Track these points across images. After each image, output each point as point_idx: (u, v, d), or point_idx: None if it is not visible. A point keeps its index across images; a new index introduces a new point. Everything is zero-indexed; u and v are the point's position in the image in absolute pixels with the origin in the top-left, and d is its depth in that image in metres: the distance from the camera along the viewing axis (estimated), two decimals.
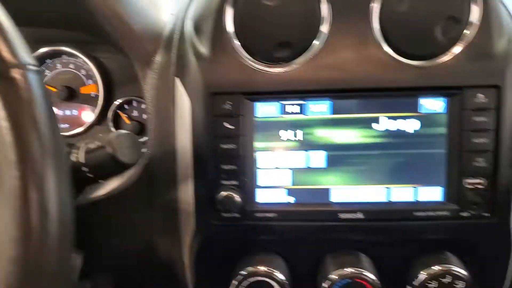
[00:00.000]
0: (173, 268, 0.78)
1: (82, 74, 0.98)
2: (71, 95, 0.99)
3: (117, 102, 0.96)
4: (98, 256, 0.80)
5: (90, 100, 0.99)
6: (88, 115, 0.98)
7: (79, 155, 0.60)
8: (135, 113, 0.97)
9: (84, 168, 0.60)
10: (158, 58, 0.73)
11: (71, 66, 0.99)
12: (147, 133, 0.74)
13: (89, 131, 0.99)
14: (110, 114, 0.97)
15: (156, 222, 0.75)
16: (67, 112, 1.00)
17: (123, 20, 0.71)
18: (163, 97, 0.71)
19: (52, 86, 0.97)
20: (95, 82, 0.97)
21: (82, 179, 0.62)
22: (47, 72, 0.98)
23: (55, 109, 0.97)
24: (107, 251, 0.80)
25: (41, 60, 0.97)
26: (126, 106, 0.98)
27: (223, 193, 0.66)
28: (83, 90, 0.99)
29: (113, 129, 0.98)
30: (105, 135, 0.61)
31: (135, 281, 0.86)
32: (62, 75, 0.98)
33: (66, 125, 0.99)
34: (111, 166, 0.59)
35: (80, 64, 0.98)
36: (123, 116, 0.98)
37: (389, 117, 0.67)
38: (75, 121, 0.99)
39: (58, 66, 0.99)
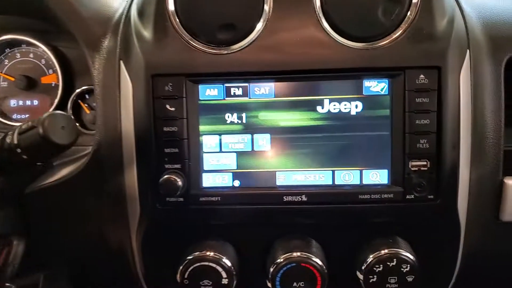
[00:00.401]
0: (125, 256, 0.77)
1: (42, 64, 0.98)
2: (32, 84, 0.98)
3: (77, 91, 0.95)
4: (50, 244, 0.79)
5: (51, 90, 0.98)
6: (47, 105, 0.97)
7: (13, 137, 0.59)
8: None
9: (18, 150, 0.59)
10: (106, 43, 0.73)
11: (31, 55, 0.98)
12: (97, 119, 0.74)
13: None
14: (69, 103, 0.96)
15: (106, 209, 0.75)
16: (28, 102, 0.99)
17: (70, 4, 0.71)
18: (109, 81, 0.71)
19: (10, 76, 0.96)
20: (56, 72, 0.96)
21: (19, 162, 0.61)
22: (6, 62, 0.97)
23: (13, 99, 0.98)
24: (59, 240, 0.80)
25: (0, 49, 0.96)
26: (87, 96, 0.97)
27: (165, 177, 0.65)
28: (44, 80, 0.98)
29: (73, 118, 0.97)
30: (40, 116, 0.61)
31: (90, 270, 0.85)
32: (22, 64, 0.98)
33: (26, 115, 0.98)
34: (44, 147, 0.58)
35: (40, 53, 0.98)
36: (83, 106, 0.97)
37: (333, 100, 0.67)
38: (35, 111, 0.98)
39: (18, 55, 0.98)
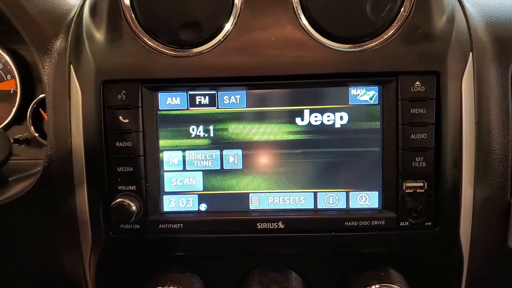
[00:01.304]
0: (79, 285, 0.68)
1: None
2: None
3: (37, 98, 0.87)
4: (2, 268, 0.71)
5: (9, 97, 0.89)
6: (6, 114, 0.89)
7: None
8: None
9: None
10: (58, 44, 0.64)
11: None
12: (48, 131, 0.65)
13: (7, 131, 0.89)
14: (29, 112, 0.87)
15: (58, 233, 0.65)
16: None
17: (16, 2, 0.62)
18: (60, 88, 0.62)
19: None
20: (14, 78, 0.88)
21: None
22: None
23: None
24: (8, 265, 0.71)
25: None
26: None
27: (117, 200, 0.56)
28: (1, 86, 0.89)
29: (32, 128, 0.88)
30: None
31: None
32: None
33: None
34: None
35: None
36: (44, 114, 0.88)
37: (314, 110, 0.58)
38: None
39: None
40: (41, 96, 0.86)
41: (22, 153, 0.89)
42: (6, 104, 0.89)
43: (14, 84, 0.88)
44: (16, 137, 0.88)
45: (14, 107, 0.87)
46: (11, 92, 0.89)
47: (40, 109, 0.88)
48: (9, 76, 0.89)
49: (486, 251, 0.64)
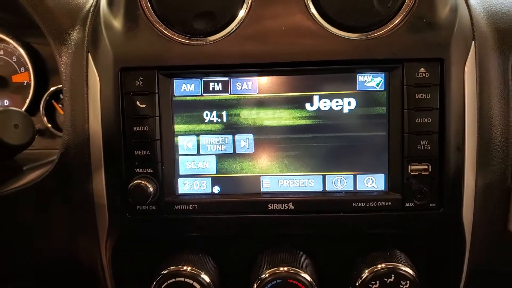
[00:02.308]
0: (94, 269, 0.70)
1: (13, 61, 0.91)
2: (2, 83, 0.91)
3: (50, 90, 0.89)
4: (15, 254, 0.72)
5: (23, 89, 0.91)
6: (20, 106, 0.91)
7: None
8: None
9: None
10: (74, 35, 0.66)
11: (1, 52, 0.91)
12: (64, 119, 0.67)
13: None
14: (42, 103, 0.89)
15: (74, 217, 0.67)
16: None
17: None
18: (77, 77, 0.64)
19: None
20: (28, 70, 0.90)
21: None
22: None
23: None
24: (25, 250, 0.72)
25: None
26: (61, 96, 0.90)
27: (134, 182, 0.58)
28: (15, 79, 0.92)
29: (45, 119, 0.90)
30: None
31: (58, 285, 0.78)
32: None
33: None
34: None
35: (11, 50, 0.91)
36: (57, 106, 0.90)
37: (323, 96, 0.60)
38: None
39: None
40: (53, 88, 0.89)
41: (35, 143, 0.91)
42: (20, 96, 0.92)
43: (28, 76, 0.91)
44: None
45: (27, 98, 0.90)
46: (25, 84, 0.91)
47: (53, 101, 0.90)
48: (22, 69, 0.91)
49: (488, 235, 0.66)
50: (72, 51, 0.66)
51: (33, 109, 0.90)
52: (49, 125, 0.89)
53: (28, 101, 0.89)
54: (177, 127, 0.61)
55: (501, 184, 0.65)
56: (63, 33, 0.67)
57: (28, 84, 0.90)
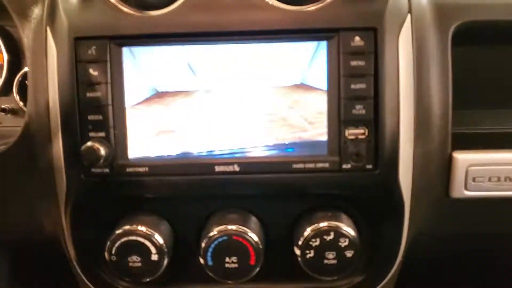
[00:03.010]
0: (57, 236, 0.73)
1: None
2: None
3: (23, 71, 0.92)
4: None
5: None
6: None
7: None
8: None
9: None
10: (36, 10, 0.70)
11: None
12: (28, 91, 0.71)
13: None
14: (15, 83, 0.93)
15: (37, 186, 0.71)
16: None
17: None
18: (38, 49, 0.68)
19: None
20: (0, 52, 0.93)
21: None
22: None
23: None
24: None
25: None
26: None
27: (87, 144, 0.61)
28: None
29: (17, 97, 0.93)
30: None
31: (27, 253, 0.82)
32: None
33: None
34: None
35: None
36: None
37: None
38: None
39: None
40: (26, 69, 0.92)
41: (8, 122, 0.94)
42: None
43: (1, 58, 0.94)
44: (2, 107, 0.93)
45: (0, 79, 0.93)
46: None
47: (26, 81, 0.94)
48: None
49: (429, 201, 0.69)
50: (35, 25, 0.69)
51: (6, 89, 0.94)
52: (22, 104, 0.92)
53: (1, 81, 0.92)
54: None
55: (441, 152, 0.68)
56: (25, 9, 0.71)
57: (1, 65, 0.93)
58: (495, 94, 0.80)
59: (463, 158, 0.69)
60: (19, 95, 0.93)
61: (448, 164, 0.69)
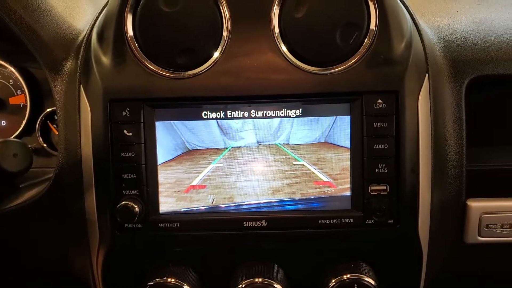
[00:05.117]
0: (87, 282, 0.76)
1: (10, 84, 0.97)
2: (0, 105, 0.97)
3: (45, 112, 0.95)
4: (13, 269, 0.78)
5: (19, 111, 0.97)
6: (17, 126, 0.96)
7: None
8: None
9: None
10: (68, 65, 0.72)
11: None
12: (59, 142, 0.73)
13: None
14: (37, 124, 0.95)
15: (68, 233, 0.73)
16: None
17: (31, 28, 0.71)
18: (70, 105, 0.70)
19: None
20: (24, 93, 0.96)
21: None
22: None
23: None
24: (22, 264, 0.78)
25: None
26: (56, 117, 0.96)
27: (122, 203, 0.64)
28: (12, 101, 0.97)
29: (40, 139, 0.96)
30: None
31: None
32: None
33: None
34: None
35: (8, 74, 0.97)
36: (52, 127, 0.96)
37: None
38: (4, 132, 0.97)
39: None
40: (48, 110, 0.94)
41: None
42: (17, 117, 0.97)
43: (24, 98, 0.97)
44: None
45: (24, 119, 0.95)
46: (21, 106, 0.97)
47: (48, 121, 0.96)
48: (19, 92, 0.97)
49: (444, 247, 0.73)
50: (66, 80, 0.72)
51: (29, 129, 0.96)
52: (45, 145, 0.95)
53: (24, 122, 0.95)
54: None
55: (456, 200, 0.72)
56: (57, 63, 0.73)
57: (25, 106, 0.96)
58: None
59: (476, 206, 0.73)
60: (41, 136, 0.96)
61: (462, 212, 0.73)
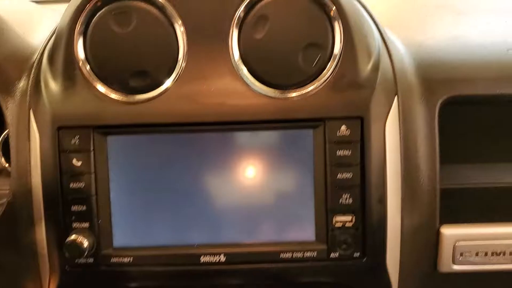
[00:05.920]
0: None
1: None
2: None
3: (7, 131, 0.91)
4: None
5: None
6: None
7: None
8: None
9: None
10: (20, 85, 0.68)
11: None
12: (11, 168, 0.69)
13: None
14: None
15: (21, 265, 0.70)
16: None
17: None
18: (21, 129, 0.66)
19: None
20: None
21: None
22: None
23: None
24: None
25: None
26: None
27: (71, 238, 0.60)
28: None
29: (3, 159, 0.92)
30: None
31: None
32: None
33: None
34: None
35: None
36: None
37: None
38: None
39: None
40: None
41: None
42: None
43: None
44: None
45: None
46: None
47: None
48: None
49: (417, 277, 0.69)
50: (18, 101, 0.68)
51: None
52: (7, 165, 0.91)
53: None
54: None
55: (429, 227, 0.68)
56: (9, 84, 0.69)
57: None
58: (484, 149, 0.79)
59: (450, 233, 0.69)
60: (3, 156, 0.91)
61: (435, 239, 0.69)
